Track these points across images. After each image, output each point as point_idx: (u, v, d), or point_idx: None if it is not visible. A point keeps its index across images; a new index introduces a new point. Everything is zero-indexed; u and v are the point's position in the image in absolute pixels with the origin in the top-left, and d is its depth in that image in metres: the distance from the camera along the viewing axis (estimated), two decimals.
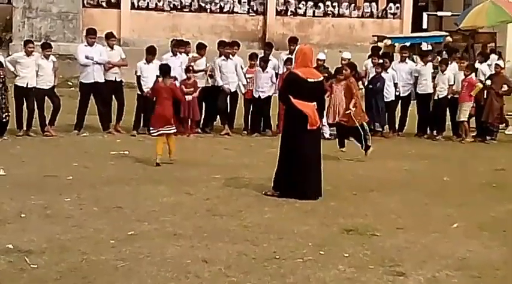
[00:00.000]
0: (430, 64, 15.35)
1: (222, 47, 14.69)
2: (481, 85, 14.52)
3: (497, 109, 14.74)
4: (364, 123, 11.96)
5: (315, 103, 8.63)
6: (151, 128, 11.12)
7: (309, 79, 8.59)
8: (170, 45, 14.69)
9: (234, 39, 16.94)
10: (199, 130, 14.42)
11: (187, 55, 14.52)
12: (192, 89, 13.80)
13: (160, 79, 11.67)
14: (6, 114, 12.94)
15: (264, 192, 8.83)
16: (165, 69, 11.43)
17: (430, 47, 22.64)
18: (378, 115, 14.46)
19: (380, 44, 20.42)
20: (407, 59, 15.59)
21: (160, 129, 10.81)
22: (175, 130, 11.07)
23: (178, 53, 14.34)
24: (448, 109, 14.76)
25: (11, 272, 5.78)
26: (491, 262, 6.43)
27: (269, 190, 8.83)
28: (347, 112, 11.83)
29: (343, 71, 12.83)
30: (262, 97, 14.43)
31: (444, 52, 19.80)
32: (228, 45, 14.79)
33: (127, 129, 14.05)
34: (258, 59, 14.72)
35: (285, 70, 14.12)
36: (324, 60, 15.03)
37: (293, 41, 15.19)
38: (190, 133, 13.99)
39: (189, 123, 14.11)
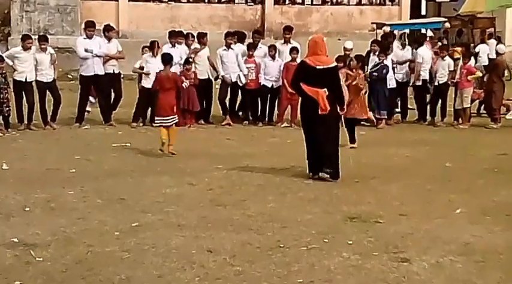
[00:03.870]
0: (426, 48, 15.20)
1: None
2: (480, 74, 14.52)
3: (500, 95, 14.75)
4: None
5: (325, 89, 8.96)
6: (156, 118, 11.13)
7: (318, 67, 9.02)
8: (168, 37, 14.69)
9: (232, 30, 16.90)
10: (203, 122, 14.38)
11: (188, 47, 14.47)
12: (192, 79, 13.81)
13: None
14: (8, 108, 12.94)
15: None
16: (166, 59, 11.46)
17: (431, 33, 22.62)
18: (383, 103, 14.22)
19: (379, 31, 20.40)
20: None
21: (163, 119, 10.82)
22: (176, 121, 11.07)
23: (176, 44, 14.32)
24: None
25: (17, 266, 5.80)
26: (495, 247, 6.44)
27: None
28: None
29: (351, 63, 12.66)
30: (275, 86, 14.38)
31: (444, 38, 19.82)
32: (229, 34, 14.76)
33: (126, 121, 14.02)
34: (249, 47, 14.62)
35: (290, 59, 14.12)
36: (351, 49, 14.52)
37: (288, 29, 15.14)
38: (191, 124, 13.98)
39: (189, 115, 14.09)
